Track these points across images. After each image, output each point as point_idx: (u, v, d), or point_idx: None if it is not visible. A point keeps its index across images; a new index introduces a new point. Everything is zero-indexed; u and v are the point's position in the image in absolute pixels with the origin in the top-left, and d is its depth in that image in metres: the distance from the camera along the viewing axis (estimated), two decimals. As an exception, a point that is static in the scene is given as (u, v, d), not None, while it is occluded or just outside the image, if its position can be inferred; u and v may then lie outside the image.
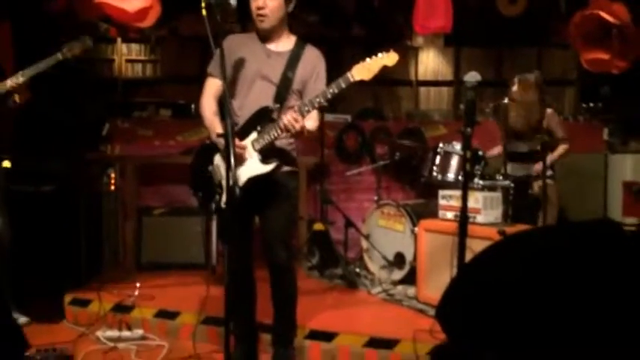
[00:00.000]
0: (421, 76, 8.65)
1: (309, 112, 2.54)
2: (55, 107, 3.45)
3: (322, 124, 4.62)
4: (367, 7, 6.51)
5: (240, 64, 2.70)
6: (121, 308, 3.54)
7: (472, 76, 2.37)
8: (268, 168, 2.60)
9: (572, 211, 4.67)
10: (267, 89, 2.68)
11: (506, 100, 4.00)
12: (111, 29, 7.07)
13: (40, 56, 3.18)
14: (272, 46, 2.73)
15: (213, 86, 2.76)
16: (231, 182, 2.19)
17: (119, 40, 7.89)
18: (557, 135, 4.19)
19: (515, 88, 4.14)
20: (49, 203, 4.00)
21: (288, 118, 2.50)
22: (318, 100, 2.52)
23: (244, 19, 2.80)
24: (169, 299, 3.64)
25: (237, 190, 2.22)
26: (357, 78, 2.49)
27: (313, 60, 2.73)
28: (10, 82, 3.07)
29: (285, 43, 2.75)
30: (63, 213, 4.14)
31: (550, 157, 4.09)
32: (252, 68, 2.69)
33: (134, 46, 8.09)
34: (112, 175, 4.71)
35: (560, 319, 1.31)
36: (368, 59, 2.51)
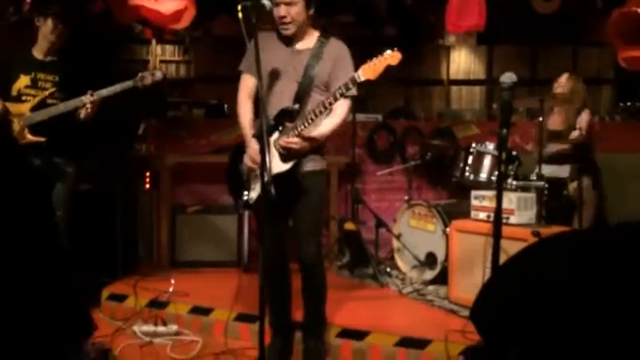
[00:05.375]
0: (453, 75, 8.59)
1: (321, 112, 2.62)
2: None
3: (354, 123, 4.65)
4: (399, 7, 6.49)
5: (264, 62, 2.75)
6: (157, 304, 3.61)
7: (508, 77, 2.35)
8: (287, 166, 2.70)
9: (612, 211, 4.58)
10: (289, 88, 2.75)
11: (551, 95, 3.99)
12: (146, 31, 7.21)
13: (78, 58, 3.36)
14: (295, 45, 2.81)
15: (247, 84, 2.85)
16: (266, 180, 2.28)
17: (154, 41, 8.04)
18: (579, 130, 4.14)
19: (564, 83, 4.14)
20: (86, 201, 4.10)
21: (285, 141, 2.65)
22: (329, 101, 2.60)
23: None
24: (203, 296, 3.71)
25: (273, 190, 2.27)
26: (363, 78, 2.55)
27: (336, 52, 2.79)
28: (85, 99, 3.28)
29: (308, 40, 2.82)
30: (100, 211, 4.25)
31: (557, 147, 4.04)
32: (275, 67, 2.76)
33: (168, 47, 8.24)
34: (147, 174, 4.81)
35: (597, 321, 1.30)
36: (374, 59, 2.55)
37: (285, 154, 2.70)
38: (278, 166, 2.69)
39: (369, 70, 2.54)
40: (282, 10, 2.70)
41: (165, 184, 4.67)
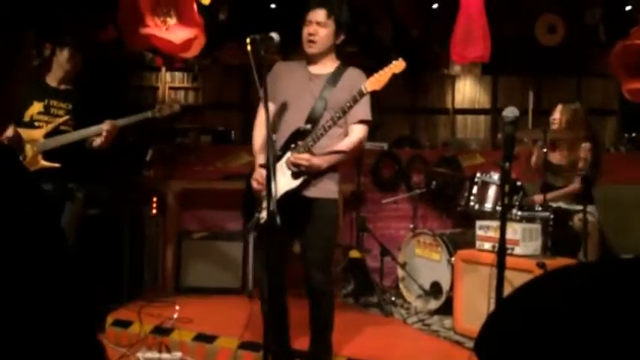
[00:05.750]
0: (458, 105, 8.64)
1: (330, 127, 2.68)
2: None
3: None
4: (405, 37, 6.59)
5: (282, 86, 2.85)
6: (161, 331, 3.61)
7: (511, 111, 2.39)
8: (297, 182, 2.73)
9: (615, 243, 4.56)
10: (303, 109, 2.80)
11: (549, 131, 3.97)
12: (156, 59, 7.32)
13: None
14: (314, 69, 2.87)
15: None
16: (271, 208, 2.32)
17: (163, 68, 8.16)
18: (577, 169, 4.08)
19: (558, 118, 4.12)
20: (94, 226, 4.13)
21: (295, 157, 2.69)
22: (337, 115, 2.67)
23: (286, 52, 2.92)
24: (208, 323, 3.70)
25: (278, 219, 2.30)
26: (370, 89, 2.65)
27: (353, 78, 2.83)
28: (104, 127, 3.33)
29: (328, 66, 2.88)
30: (108, 236, 4.27)
31: (553, 194, 4.00)
32: (293, 91, 2.83)
33: (177, 75, 8.36)
34: (154, 200, 4.85)
35: (602, 356, 1.31)
36: (380, 71, 2.66)
37: (296, 171, 2.74)
38: (288, 183, 2.73)
39: (375, 82, 2.63)
40: (311, 29, 2.78)
41: (171, 209, 4.71)
